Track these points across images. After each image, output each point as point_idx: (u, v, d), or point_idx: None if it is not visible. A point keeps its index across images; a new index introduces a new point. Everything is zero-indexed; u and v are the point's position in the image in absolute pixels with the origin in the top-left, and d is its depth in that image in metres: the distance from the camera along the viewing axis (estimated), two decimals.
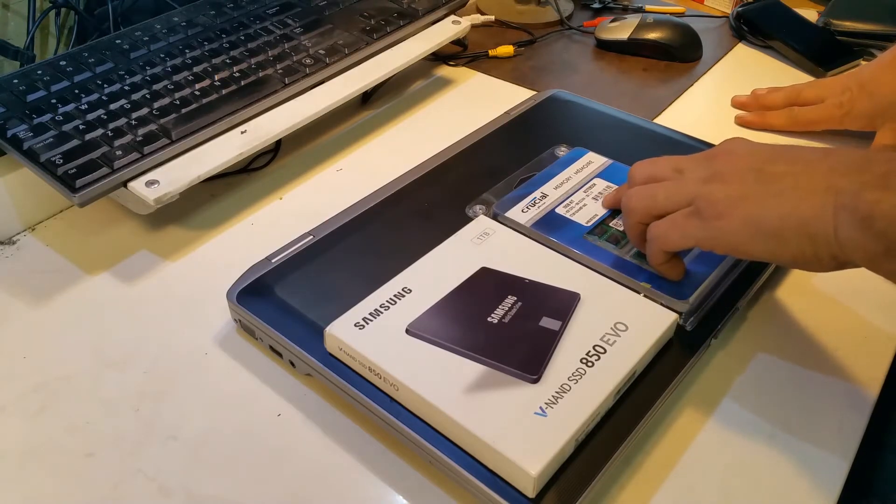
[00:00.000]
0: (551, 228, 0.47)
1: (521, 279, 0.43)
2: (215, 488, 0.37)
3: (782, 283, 0.49)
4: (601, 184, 0.51)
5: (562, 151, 0.55)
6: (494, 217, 0.49)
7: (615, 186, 0.50)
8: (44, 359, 0.44)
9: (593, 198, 0.50)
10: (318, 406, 0.41)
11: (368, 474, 0.38)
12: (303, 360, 0.41)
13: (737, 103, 0.68)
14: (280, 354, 0.43)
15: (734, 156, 0.40)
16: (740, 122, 0.66)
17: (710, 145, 0.57)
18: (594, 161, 0.53)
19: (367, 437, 0.40)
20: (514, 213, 0.48)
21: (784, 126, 0.64)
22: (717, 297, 0.44)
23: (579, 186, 0.51)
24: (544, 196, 0.50)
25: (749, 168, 0.39)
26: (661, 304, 0.42)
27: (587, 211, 0.49)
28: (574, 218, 0.48)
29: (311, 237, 0.48)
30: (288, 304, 0.43)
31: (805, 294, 0.49)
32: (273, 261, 0.46)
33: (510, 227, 0.47)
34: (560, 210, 0.49)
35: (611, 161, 0.53)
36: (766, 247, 0.37)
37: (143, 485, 0.38)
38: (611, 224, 0.48)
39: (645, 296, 0.42)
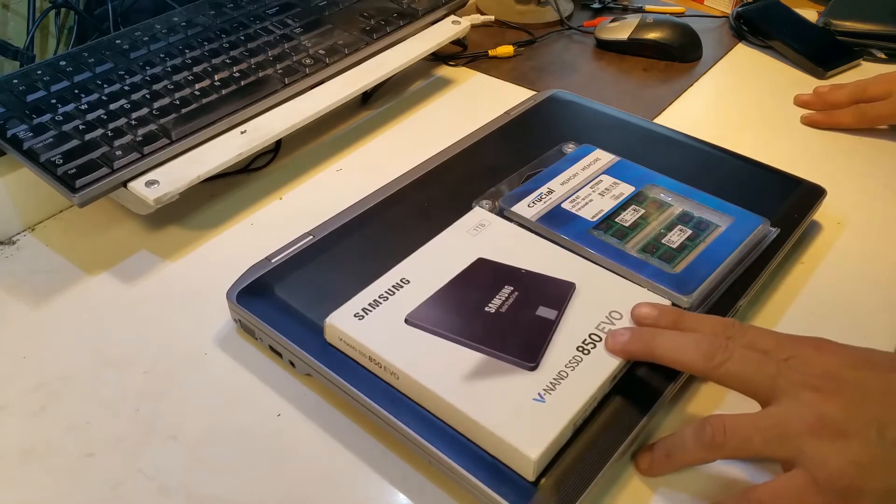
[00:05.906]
0: (557, 223, 0.47)
1: (517, 269, 0.43)
2: (215, 488, 0.37)
3: (782, 283, 0.49)
4: (608, 180, 0.51)
5: (569, 148, 0.55)
6: (501, 212, 0.49)
7: (622, 183, 0.51)
8: (44, 359, 0.44)
9: (599, 193, 0.50)
10: (318, 406, 0.41)
11: (368, 474, 0.38)
12: (302, 359, 0.41)
13: (800, 102, 0.67)
14: (280, 354, 0.43)
15: (844, 388, 0.30)
16: (807, 122, 0.65)
17: (710, 145, 0.57)
18: (602, 158, 0.53)
19: (367, 437, 0.40)
20: (520, 208, 0.48)
21: (852, 124, 0.63)
22: (718, 296, 0.44)
23: (586, 182, 0.51)
24: (550, 192, 0.50)
25: (869, 419, 0.30)
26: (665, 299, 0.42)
27: (593, 206, 0.49)
28: (580, 213, 0.48)
29: (311, 237, 0.48)
30: (288, 304, 0.43)
31: (805, 294, 0.49)
32: (273, 261, 0.46)
33: (516, 222, 0.47)
34: (566, 205, 0.49)
35: (618, 158, 0.53)
36: None
37: (143, 485, 0.37)
38: (616, 219, 0.48)
39: (649, 290, 0.43)
